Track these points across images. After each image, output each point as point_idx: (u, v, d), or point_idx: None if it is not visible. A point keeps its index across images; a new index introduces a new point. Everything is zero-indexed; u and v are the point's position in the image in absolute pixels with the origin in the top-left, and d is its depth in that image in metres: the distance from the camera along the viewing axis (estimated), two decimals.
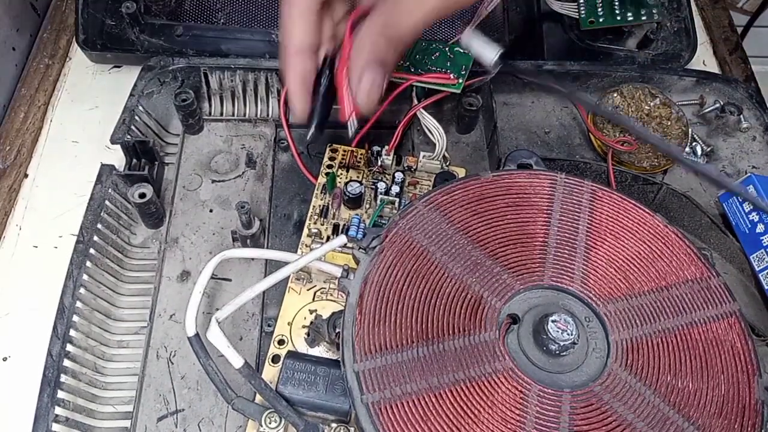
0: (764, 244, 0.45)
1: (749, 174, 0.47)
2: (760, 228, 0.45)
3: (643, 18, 0.58)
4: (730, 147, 0.53)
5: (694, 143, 0.52)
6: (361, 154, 0.47)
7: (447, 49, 0.49)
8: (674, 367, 0.37)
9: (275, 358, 0.39)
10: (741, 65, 0.63)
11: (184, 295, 0.44)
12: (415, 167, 0.47)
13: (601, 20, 0.58)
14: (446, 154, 0.48)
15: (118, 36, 0.57)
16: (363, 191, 0.44)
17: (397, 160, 0.47)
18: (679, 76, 0.54)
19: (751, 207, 0.45)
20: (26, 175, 0.53)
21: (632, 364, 0.36)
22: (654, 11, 0.58)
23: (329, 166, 0.47)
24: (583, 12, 0.59)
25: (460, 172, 0.48)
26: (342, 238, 0.39)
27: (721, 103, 0.53)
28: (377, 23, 0.37)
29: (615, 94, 0.50)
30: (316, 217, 0.45)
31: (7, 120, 0.55)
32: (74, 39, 0.58)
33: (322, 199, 0.46)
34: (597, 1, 0.59)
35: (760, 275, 0.45)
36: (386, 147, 0.47)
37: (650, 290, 0.39)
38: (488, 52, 0.38)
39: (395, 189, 0.45)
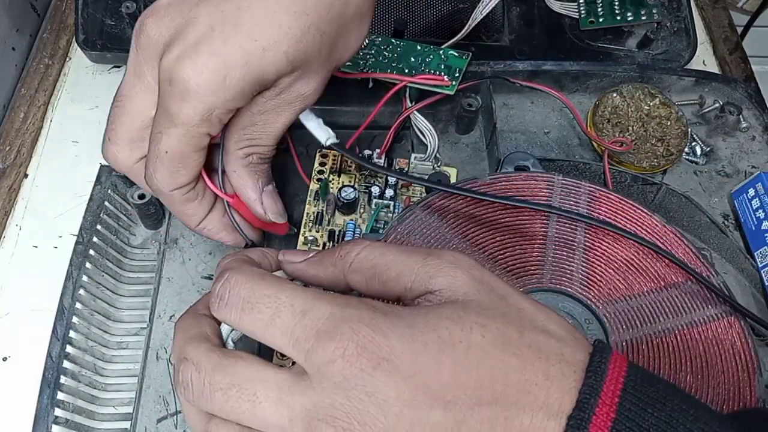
0: None
1: (759, 172, 0.47)
2: (765, 225, 0.46)
3: (643, 18, 0.58)
4: (729, 147, 0.53)
5: (693, 143, 0.52)
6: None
7: (441, 52, 0.50)
8: (674, 368, 0.37)
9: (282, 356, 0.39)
10: (741, 65, 0.63)
11: (183, 296, 0.44)
12: (407, 169, 0.47)
13: (601, 20, 0.58)
14: (438, 155, 0.48)
15: (118, 36, 0.57)
16: (357, 196, 0.44)
17: (388, 163, 0.47)
18: (679, 76, 0.54)
19: (759, 204, 0.46)
20: (26, 175, 0.53)
21: None
22: (654, 11, 0.58)
23: (320, 172, 0.47)
24: (583, 12, 0.59)
25: (452, 172, 0.48)
26: None
27: (721, 103, 0.53)
28: (244, 148, 0.38)
29: (614, 94, 0.50)
30: (310, 224, 0.45)
31: (7, 120, 0.55)
32: (74, 39, 0.58)
33: (315, 206, 0.45)
34: (597, 1, 0.59)
35: (762, 271, 0.45)
36: (377, 150, 0.47)
37: (649, 291, 0.39)
38: (321, 135, 0.40)
39: (389, 192, 0.45)
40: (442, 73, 0.48)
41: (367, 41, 0.50)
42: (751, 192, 0.47)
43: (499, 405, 0.25)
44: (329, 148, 0.40)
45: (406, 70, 0.49)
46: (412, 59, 0.49)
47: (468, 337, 0.26)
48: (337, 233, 0.44)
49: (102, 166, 0.47)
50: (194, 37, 0.33)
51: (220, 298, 0.29)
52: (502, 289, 0.29)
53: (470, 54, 0.49)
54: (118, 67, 0.58)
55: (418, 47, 0.50)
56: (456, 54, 0.49)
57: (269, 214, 0.39)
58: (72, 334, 0.41)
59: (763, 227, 0.46)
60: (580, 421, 0.25)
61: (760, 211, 0.46)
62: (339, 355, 0.25)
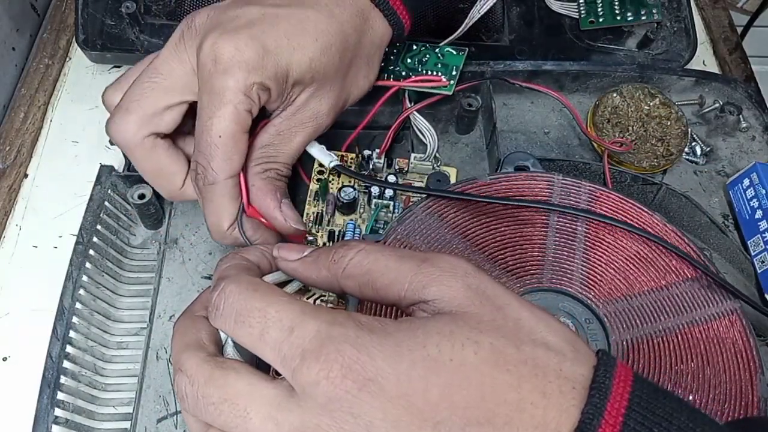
0: (761, 230, 0.46)
1: (754, 162, 0.48)
2: (758, 214, 0.46)
3: (643, 18, 0.58)
4: (729, 147, 0.53)
5: (693, 143, 0.52)
6: (352, 159, 0.47)
7: (438, 51, 0.49)
8: (675, 367, 0.37)
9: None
10: (741, 65, 0.63)
11: (183, 296, 0.44)
12: (406, 169, 0.47)
13: (601, 20, 0.58)
14: (437, 155, 0.48)
15: (118, 36, 0.57)
16: (357, 196, 0.44)
17: (388, 163, 0.47)
18: (679, 76, 0.54)
19: (753, 194, 0.47)
20: (26, 175, 0.53)
21: (633, 365, 0.36)
22: (654, 11, 0.58)
23: (320, 172, 0.47)
24: (583, 12, 0.59)
25: (451, 172, 0.48)
26: None
27: (721, 103, 0.53)
28: (262, 164, 0.39)
29: (614, 94, 0.50)
30: (310, 224, 0.45)
31: (7, 120, 0.55)
32: (74, 39, 0.58)
33: (315, 206, 0.45)
34: (597, 1, 0.59)
35: (755, 259, 0.46)
36: (377, 150, 0.47)
37: (650, 290, 0.39)
38: (324, 159, 0.43)
39: (389, 192, 0.45)
40: (439, 73, 0.48)
41: None
42: (746, 182, 0.48)
43: (491, 425, 0.25)
44: (333, 169, 0.43)
45: (404, 72, 0.48)
46: (409, 60, 0.49)
47: (459, 354, 0.25)
48: (336, 233, 0.44)
49: (102, 166, 0.47)
50: (235, 26, 0.37)
51: (215, 308, 0.29)
52: (500, 297, 0.28)
53: (467, 49, 0.49)
54: (118, 67, 0.58)
55: (414, 47, 0.50)
56: (452, 51, 0.49)
57: (290, 222, 0.39)
58: (72, 334, 0.41)
59: (756, 216, 0.46)
60: None
61: (755, 200, 0.47)
62: (323, 376, 0.25)
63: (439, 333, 0.26)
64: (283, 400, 0.26)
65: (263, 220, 0.40)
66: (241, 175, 0.39)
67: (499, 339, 0.26)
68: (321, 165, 0.47)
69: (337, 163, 0.43)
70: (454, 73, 0.48)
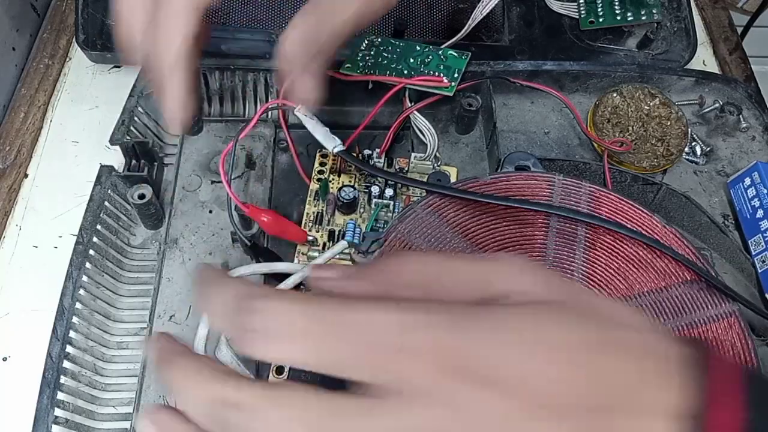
0: (762, 229, 0.46)
1: (755, 161, 0.48)
2: (759, 213, 0.46)
3: (643, 18, 0.58)
4: (729, 147, 0.53)
5: (693, 143, 0.52)
6: None
7: (440, 52, 0.49)
8: None
9: (279, 369, 0.39)
10: (741, 65, 0.63)
11: (183, 296, 0.44)
12: (407, 169, 0.47)
13: (601, 20, 0.58)
14: (438, 155, 0.48)
15: None
16: (357, 196, 0.44)
17: (388, 163, 0.47)
18: (679, 76, 0.54)
19: (754, 193, 0.47)
20: (26, 175, 0.53)
21: None
22: (654, 11, 0.58)
23: (320, 172, 0.47)
24: (583, 12, 0.59)
25: (452, 172, 0.48)
26: (343, 244, 0.39)
27: (721, 103, 0.53)
28: (310, 22, 0.36)
29: (614, 94, 0.50)
30: (310, 224, 0.45)
31: (7, 120, 0.55)
32: (74, 39, 0.58)
33: (315, 206, 0.45)
34: (597, 1, 0.59)
35: (755, 259, 0.46)
36: (377, 150, 0.47)
37: (649, 291, 0.39)
38: (329, 143, 0.41)
39: (389, 192, 0.45)
40: (441, 74, 0.48)
41: (366, 42, 0.50)
42: (747, 181, 0.48)
43: (613, 410, 0.23)
44: (336, 155, 0.41)
45: (405, 71, 0.49)
46: (411, 60, 0.49)
47: (555, 338, 0.23)
48: (337, 233, 0.44)
49: (102, 166, 0.47)
50: None
51: (264, 332, 0.23)
52: (573, 286, 0.27)
53: (469, 54, 0.49)
54: (118, 67, 0.58)
55: (417, 47, 0.50)
56: (455, 54, 0.49)
57: (305, 93, 0.37)
58: (72, 334, 0.41)
59: (758, 215, 0.46)
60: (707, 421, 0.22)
61: (756, 199, 0.47)
62: (418, 370, 0.22)
63: (534, 317, 0.24)
64: (369, 408, 0.22)
65: (264, 218, 0.40)
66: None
67: (589, 324, 0.25)
68: (321, 165, 0.47)
69: (342, 148, 0.41)
70: (456, 75, 0.48)
